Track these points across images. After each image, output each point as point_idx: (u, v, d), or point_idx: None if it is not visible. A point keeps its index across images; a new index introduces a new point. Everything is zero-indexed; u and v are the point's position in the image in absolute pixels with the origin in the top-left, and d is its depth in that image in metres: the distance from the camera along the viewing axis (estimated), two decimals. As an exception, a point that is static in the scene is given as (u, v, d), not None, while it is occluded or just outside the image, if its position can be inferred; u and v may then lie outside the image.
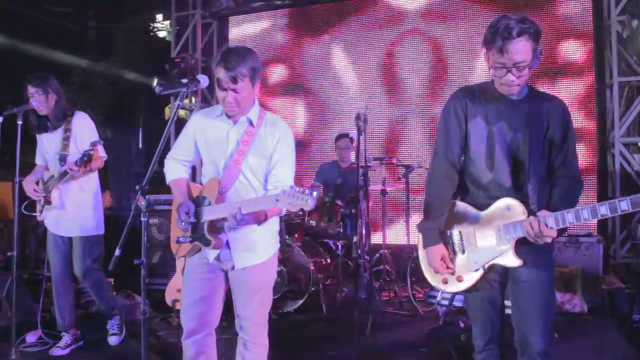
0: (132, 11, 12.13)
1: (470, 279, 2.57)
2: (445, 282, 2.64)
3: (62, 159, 4.29)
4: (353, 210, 5.80)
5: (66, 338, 4.45)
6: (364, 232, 5.34)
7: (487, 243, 2.51)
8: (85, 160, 4.07)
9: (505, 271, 2.57)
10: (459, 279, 2.59)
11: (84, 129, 4.40)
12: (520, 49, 2.35)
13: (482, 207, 2.57)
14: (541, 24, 6.51)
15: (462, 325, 4.78)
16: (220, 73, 2.67)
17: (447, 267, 2.60)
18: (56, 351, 4.36)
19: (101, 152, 4.35)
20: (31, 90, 4.29)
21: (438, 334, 4.86)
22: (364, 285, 5.55)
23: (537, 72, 6.90)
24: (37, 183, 4.50)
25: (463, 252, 2.59)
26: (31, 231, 7.01)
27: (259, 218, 2.67)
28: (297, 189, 2.36)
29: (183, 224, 2.77)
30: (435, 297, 5.33)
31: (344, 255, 6.12)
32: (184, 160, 3.01)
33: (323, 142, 7.85)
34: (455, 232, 2.63)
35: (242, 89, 2.69)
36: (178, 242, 2.83)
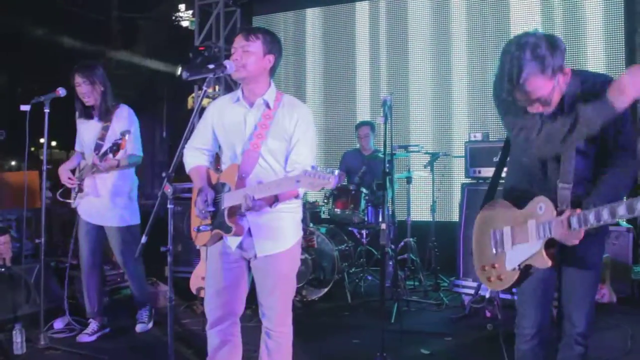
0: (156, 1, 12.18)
1: (510, 278, 2.48)
2: (490, 280, 2.58)
3: (97, 148, 4.29)
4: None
5: (93, 325, 4.50)
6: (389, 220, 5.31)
7: (521, 242, 2.43)
8: (115, 149, 4.06)
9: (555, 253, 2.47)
10: (499, 278, 2.52)
11: (124, 121, 4.38)
12: (533, 88, 2.23)
13: (521, 205, 2.48)
14: (569, 8, 6.39)
15: (488, 314, 4.74)
16: (237, 38, 2.71)
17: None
18: (83, 337, 4.41)
19: (135, 151, 4.37)
20: (78, 79, 4.28)
21: (463, 323, 4.82)
22: (388, 274, 5.53)
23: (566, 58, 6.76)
24: (74, 171, 4.53)
25: (503, 250, 2.51)
26: (58, 219, 7.10)
27: (270, 201, 2.61)
28: (318, 168, 2.30)
29: (202, 211, 2.72)
30: (460, 285, 5.29)
31: (369, 243, 6.11)
32: (202, 149, 2.95)
33: (347, 130, 7.79)
34: (497, 232, 2.55)
35: (252, 49, 2.69)
36: (198, 230, 2.78)
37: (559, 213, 2.29)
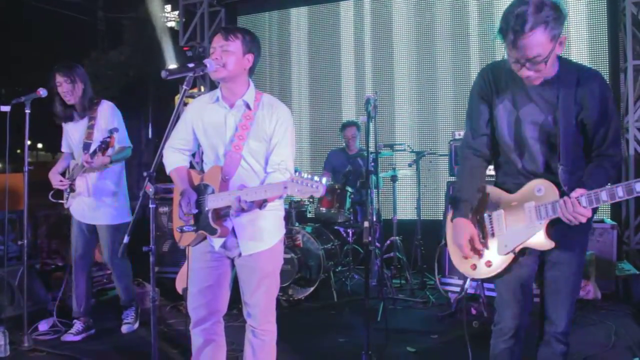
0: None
1: (500, 263, 2.47)
2: (474, 267, 2.54)
3: (86, 147, 4.33)
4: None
5: (78, 325, 4.50)
6: (374, 218, 5.32)
7: (517, 225, 2.43)
8: (103, 147, 4.10)
9: (539, 254, 2.50)
10: (488, 264, 2.50)
11: (108, 118, 4.40)
12: (533, 43, 2.18)
13: (512, 190, 2.50)
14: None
15: (473, 312, 4.76)
16: (216, 38, 2.71)
17: (473, 249, 2.50)
18: (68, 337, 4.42)
19: (123, 143, 4.41)
20: (59, 79, 4.31)
21: (449, 321, 4.84)
22: (374, 272, 5.54)
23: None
24: (64, 173, 4.56)
25: (493, 235, 2.50)
26: (42, 221, 7.05)
27: (259, 203, 2.61)
28: (306, 175, 2.31)
29: (187, 214, 2.73)
30: (446, 284, 5.31)
31: (355, 242, 6.11)
32: (182, 149, 2.96)
33: (332, 129, 7.79)
34: (485, 216, 2.54)
35: (231, 48, 2.68)
36: (182, 230, 2.79)
37: (562, 194, 2.31)
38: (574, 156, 2.42)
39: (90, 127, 4.36)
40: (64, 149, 4.65)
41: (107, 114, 4.42)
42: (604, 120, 2.39)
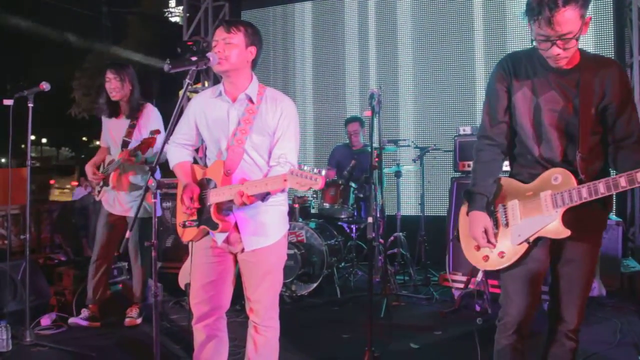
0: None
1: (513, 254, 2.44)
2: (486, 259, 2.52)
3: (125, 145, 4.47)
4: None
5: (85, 312, 4.60)
6: (378, 214, 5.28)
7: (532, 215, 2.40)
8: (144, 147, 4.20)
9: (551, 247, 2.47)
10: (501, 255, 2.47)
11: (150, 120, 4.55)
12: (567, 18, 2.18)
13: (527, 181, 2.47)
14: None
15: (477, 308, 4.75)
16: (218, 30, 2.71)
17: (489, 241, 2.48)
18: (74, 319, 4.56)
19: (158, 149, 4.45)
20: (109, 75, 4.49)
21: (453, 317, 4.82)
22: (378, 268, 5.52)
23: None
24: (99, 167, 4.69)
25: (507, 225, 2.47)
26: (46, 216, 7.05)
27: (261, 196, 2.60)
28: (305, 167, 2.30)
29: (189, 208, 2.72)
30: (450, 279, 5.29)
31: (358, 238, 6.09)
32: (186, 144, 2.94)
33: (337, 124, 7.77)
34: (499, 207, 2.52)
35: (234, 41, 2.67)
36: (184, 226, 2.79)
37: (580, 182, 2.29)
38: (592, 145, 2.39)
39: (132, 127, 4.52)
40: (101, 143, 4.79)
41: (151, 118, 4.57)
42: (625, 108, 2.37)
